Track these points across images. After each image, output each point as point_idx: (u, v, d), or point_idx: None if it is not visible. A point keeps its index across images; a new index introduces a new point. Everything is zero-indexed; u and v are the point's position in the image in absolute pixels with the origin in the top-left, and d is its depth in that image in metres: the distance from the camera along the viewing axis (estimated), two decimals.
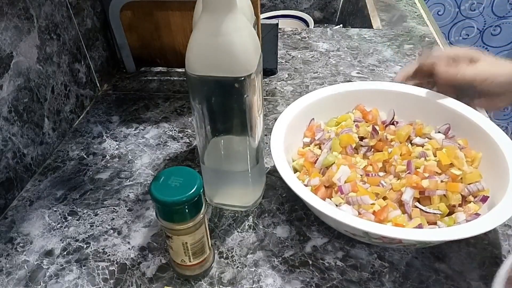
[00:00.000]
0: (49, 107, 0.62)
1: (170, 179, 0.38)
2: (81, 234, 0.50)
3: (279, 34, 0.76)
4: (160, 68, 0.83)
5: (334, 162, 0.49)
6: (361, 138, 0.53)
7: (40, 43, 0.59)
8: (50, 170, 0.60)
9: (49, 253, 0.48)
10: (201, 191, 0.38)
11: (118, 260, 0.47)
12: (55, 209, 0.54)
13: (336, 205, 0.46)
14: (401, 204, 0.46)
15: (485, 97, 0.53)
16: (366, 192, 0.46)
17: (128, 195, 0.55)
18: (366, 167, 0.50)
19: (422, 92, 0.56)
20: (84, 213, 0.53)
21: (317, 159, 0.51)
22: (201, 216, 0.40)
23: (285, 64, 0.82)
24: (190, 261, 0.43)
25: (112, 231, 0.51)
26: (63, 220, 0.52)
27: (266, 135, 0.60)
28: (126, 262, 0.47)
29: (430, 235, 0.39)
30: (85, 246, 0.49)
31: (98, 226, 0.51)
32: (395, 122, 0.56)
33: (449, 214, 0.46)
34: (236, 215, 0.52)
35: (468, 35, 1.59)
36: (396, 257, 0.46)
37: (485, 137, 0.49)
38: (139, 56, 0.81)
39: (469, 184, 0.47)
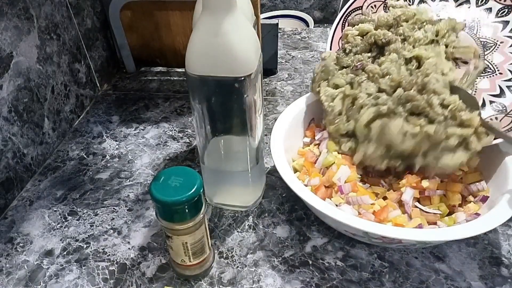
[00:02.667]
0: (49, 107, 0.62)
1: (170, 179, 0.38)
2: (81, 234, 0.50)
3: (279, 34, 0.76)
4: (160, 68, 0.83)
5: (334, 162, 0.49)
6: None
7: (40, 43, 0.59)
8: (50, 170, 0.60)
9: (49, 253, 0.48)
10: (201, 191, 0.38)
11: (118, 260, 0.47)
12: (55, 209, 0.54)
13: (336, 205, 0.46)
14: (401, 204, 0.46)
15: None
16: (366, 192, 0.46)
17: (128, 195, 0.55)
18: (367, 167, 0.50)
19: None
20: (84, 213, 0.53)
21: (317, 159, 0.51)
22: (201, 216, 0.40)
23: (285, 64, 0.82)
24: (190, 261, 0.43)
25: (112, 231, 0.51)
26: (63, 220, 0.52)
27: (266, 135, 0.60)
28: (126, 262, 0.47)
29: (430, 235, 0.39)
30: (85, 246, 0.49)
31: (98, 226, 0.51)
32: None
33: (449, 214, 0.46)
34: (236, 215, 0.52)
35: None
36: (396, 257, 0.46)
37: None
38: (139, 56, 0.81)
39: (469, 184, 0.47)
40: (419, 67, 0.48)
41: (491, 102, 0.49)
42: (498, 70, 0.49)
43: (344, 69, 0.54)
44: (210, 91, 0.41)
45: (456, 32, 0.51)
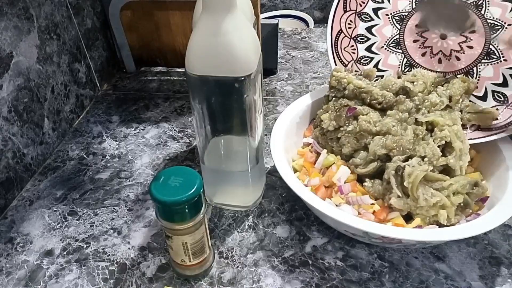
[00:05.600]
0: (49, 107, 0.62)
1: (170, 179, 0.38)
2: (81, 234, 0.50)
3: (279, 34, 0.76)
4: (160, 68, 0.83)
5: (334, 163, 0.49)
6: None
7: (40, 43, 0.59)
8: (50, 170, 0.60)
9: (49, 253, 0.48)
10: (201, 191, 0.38)
11: (118, 260, 0.47)
12: (55, 209, 0.54)
13: (336, 205, 0.46)
14: None
15: None
16: (366, 192, 0.46)
17: (128, 195, 0.55)
18: None
19: None
20: (84, 213, 0.53)
21: (316, 159, 0.51)
22: (201, 216, 0.40)
23: (285, 64, 0.82)
24: (190, 261, 0.43)
25: (112, 231, 0.51)
26: (63, 220, 0.52)
27: (266, 135, 0.60)
28: (126, 262, 0.47)
29: (430, 235, 0.39)
30: (85, 246, 0.49)
31: (98, 226, 0.51)
32: None
33: None
34: (236, 215, 0.52)
35: None
36: (396, 257, 0.46)
37: None
38: (139, 56, 0.81)
39: None
40: (430, 134, 0.46)
41: (493, 92, 0.48)
42: (503, 57, 0.48)
43: (328, 113, 0.50)
44: (210, 91, 0.41)
45: (469, 94, 0.49)
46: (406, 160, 0.45)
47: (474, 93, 0.49)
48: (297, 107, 0.55)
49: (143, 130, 0.67)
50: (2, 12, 0.51)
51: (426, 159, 0.44)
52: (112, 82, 0.79)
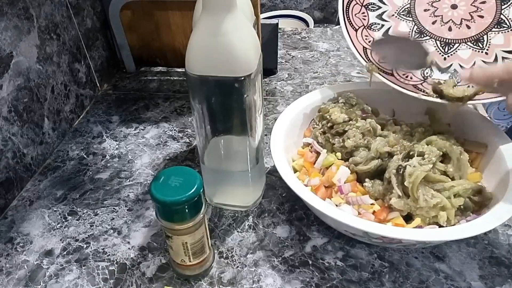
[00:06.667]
0: (49, 107, 0.62)
1: (170, 179, 0.38)
2: (81, 234, 0.50)
3: (279, 34, 0.76)
4: (160, 68, 0.83)
5: (333, 163, 0.49)
6: None
7: (40, 43, 0.59)
8: (50, 170, 0.60)
9: (49, 253, 0.48)
10: (201, 191, 0.38)
11: (118, 260, 0.47)
12: (55, 209, 0.54)
13: (336, 205, 0.46)
14: None
15: None
16: (366, 192, 0.46)
17: (128, 195, 0.55)
18: None
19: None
20: (84, 213, 0.53)
21: (316, 159, 0.51)
22: (201, 216, 0.40)
23: (285, 64, 0.82)
24: (190, 261, 0.43)
25: (112, 231, 0.51)
26: (63, 220, 0.52)
27: (266, 135, 0.60)
28: (126, 262, 0.47)
29: (430, 235, 0.39)
30: (85, 246, 0.49)
31: (98, 226, 0.51)
32: None
33: None
34: (236, 215, 0.52)
35: None
36: (396, 257, 0.46)
37: (485, 137, 0.49)
38: (139, 56, 0.81)
39: None
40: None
41: (503, 58, 0.49)
42: None
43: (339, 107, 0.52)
44: (210, 91, 0.41)
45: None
46: (406, 157, 0.45)
47: (483, 59, 0.50)
48: (297, 107, 0.54)
49: (143, 130, 0.67)
50: (2, 12, 0.51)
51: (426, 155, 0.44)
52: (112, 82, 0.79)
